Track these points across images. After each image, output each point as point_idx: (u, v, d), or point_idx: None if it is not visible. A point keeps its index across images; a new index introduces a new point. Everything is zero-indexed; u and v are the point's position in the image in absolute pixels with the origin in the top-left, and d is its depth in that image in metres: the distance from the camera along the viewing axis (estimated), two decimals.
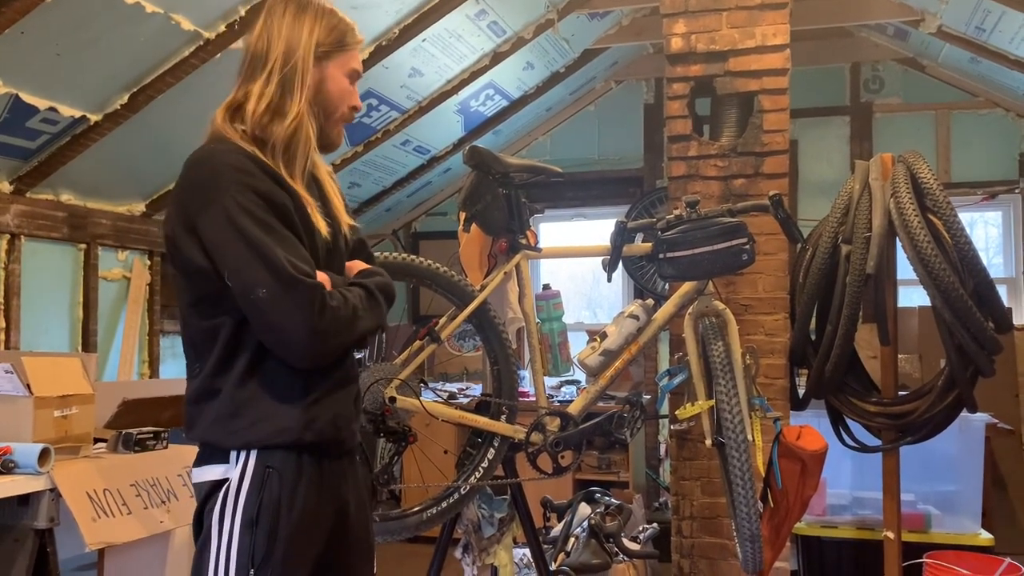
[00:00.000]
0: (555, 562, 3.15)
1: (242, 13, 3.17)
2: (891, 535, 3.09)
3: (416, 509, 2.51)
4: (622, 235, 2.56)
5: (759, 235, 2.88)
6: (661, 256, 2.52)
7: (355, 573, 1.67)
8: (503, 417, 2.57)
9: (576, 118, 5.89)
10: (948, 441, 3.26)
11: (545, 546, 3.13)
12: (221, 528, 1.50)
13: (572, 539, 3.25)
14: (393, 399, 2.37)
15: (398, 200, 5.70)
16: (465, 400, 4.76)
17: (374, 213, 5.62)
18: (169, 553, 2.70)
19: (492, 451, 2.57)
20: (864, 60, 5.33)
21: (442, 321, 2.53)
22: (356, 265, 1.68)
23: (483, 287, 2.57)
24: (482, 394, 2.66)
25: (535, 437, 2.56)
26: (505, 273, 2.62)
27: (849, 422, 3.15)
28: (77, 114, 3.22)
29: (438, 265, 2.52)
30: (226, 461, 1.52)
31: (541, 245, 2.71)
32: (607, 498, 3.39)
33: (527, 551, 2.93)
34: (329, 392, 1.57)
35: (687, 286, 2.66)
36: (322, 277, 1.52)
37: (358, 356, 1.87)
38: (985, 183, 5.11)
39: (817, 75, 5.32)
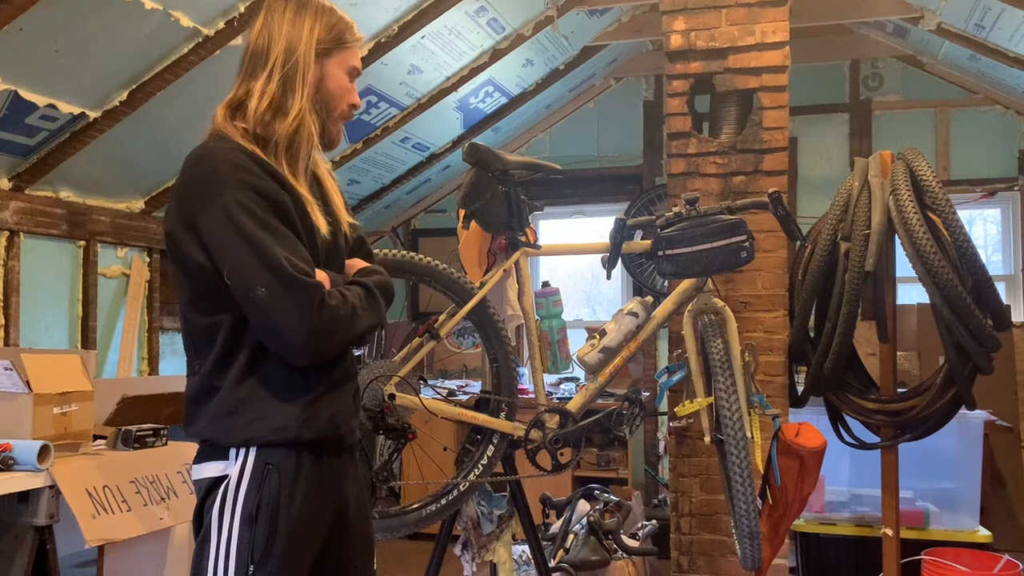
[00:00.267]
0: (554, 559, 3.16)
1: (241, 10, 3.17)
2: (890, 532, 3.10)
3: (415, 506, 2.51)
4: (621, 232, 2.56)
5: (758, 232, 2.88)
6: (660, 253, 2.52)
7: (355, 569, 1.67)
8: (502, 414, 2.58)
9: (575, 115, 5.89)
10: (947, 438, 3.26)
11: (544, 543, 3.13)
12: (221, 525, 1.50)
13: (571, 536, 3.25)
14: (392, 396, 2.37)
15: (397, 197, 5.70)
16: (464, 397, 4.77)
17: (373, 210, 5.62)
18: (169, 550, 2.70)
19: (491, 448, 2.57)
20: (863, 57, 5.33)
21: (441, 318, 2.53)
22: (356, 263, 1.68)
23: (482, 284, 2.57)
24: (481, 391, 2.66)
25: (534, 434, 2.57)
26: (504, 270, 2.63)
27: (848, 419, 3.16)
28: (76, 111, 3.22)
29: (437, 262, 2.52)
30: (225, 458, 1.52)
31: (540, 242, 2.71)
32: (606, 495, 3.39)
33: (526, 548, 2.93)
34: (328, 390, 1.57)
35: (686, 283, 2.66)
36: (321, 276, 1.53)
37: (357, 354, 1.88)
38: (984, 180, 5.12)
39: (816, 72, 5.32)
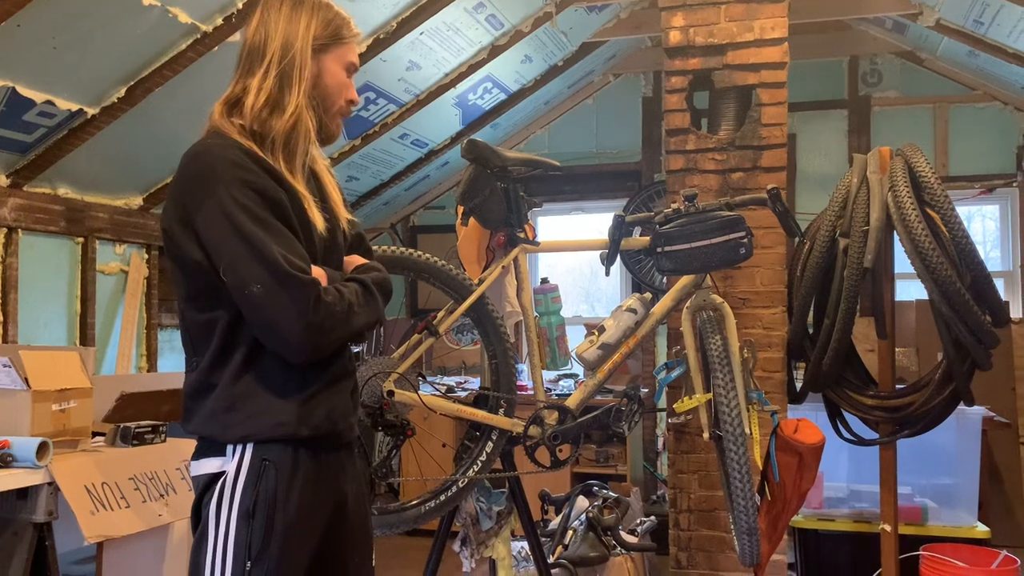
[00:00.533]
0: (553, 555, 3.16)
1: (239, 6, 3.16)
2: (888, 528, 3.10)
3: (414, 502, 2.51)
4: (620, 229, 2.56)
5: (757, 229, 2.88)
6: (659, 250, 2.52)
7: (353, 566, 1.67)
8: (501, 411, 2.58)
9: (574, 112, 5.89)
10: (945, 434, 3.27)
11: (543, 539, 3.14)
12: (218, 521, 1.50)
13: (570, 532, 3.26)
14: (391, 393, 2.37)
15: (396, 194, 5.70)
16: (463, 394, 4.77)
17: (372, 207, 5.61)
18: (168, 546, 2.70)
19: (490, 444, 2.57)
20: (862, 53, 5.33)
21: (440, 315, 2.53)
22: (354, 260, 1.68)
23: (481, 281, 2.57)
24: (480, 388, 2.66)
25: (533, 430, 2.57)
26: (503, 267, 2.63)
27: (846, 415, 3.16)
28: (74, 107, 3.21)
29: (436, 259, 2.52)
30: (223, 454, 1.53)
31: (539, 239, 2.71)
32: (605, 491, 3.39)
33: (525, 544, 2.94)
34: (326, 386, 1.57)
35: (685, 280, 2.66)
36: (318, 272, 1.52)
37: (356, 350, 1.87)
38: (983, 177, 5.12)
39: (815, 69, 5.32)
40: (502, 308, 2.82)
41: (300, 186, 1.56)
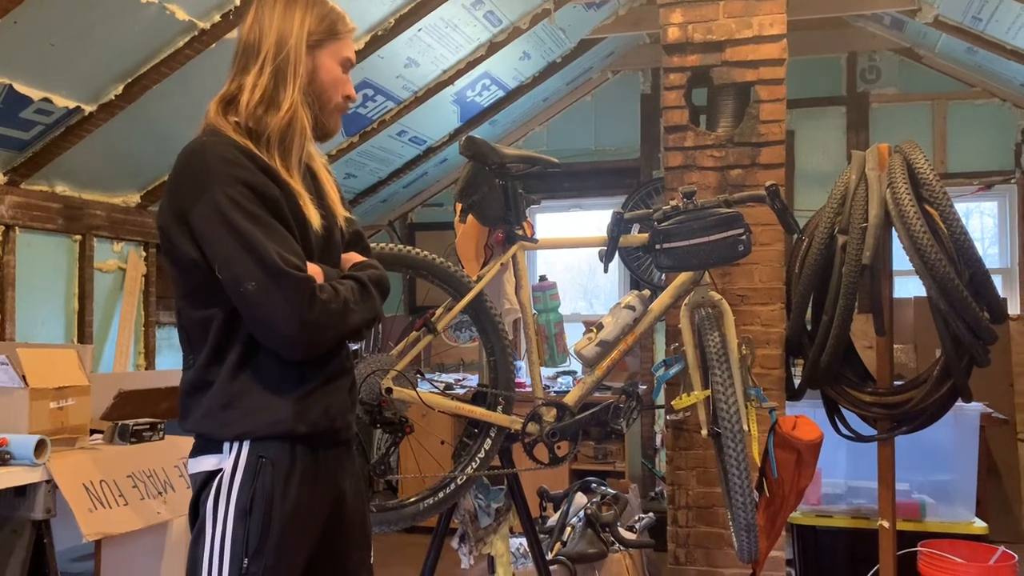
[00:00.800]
0: (551, 552, 3.17)
1: (236, 3, 3.15)
2: (886, 524, 3.11)
3: (413, 499, 2.51)
4: (619, 226, 2.56)
5: (755, 226, 2.88)
6: (657, 247, 2.52)
7: (351, 563, 1.67)
8: (499, 408, 2.58)
9: (573, 108, 5.88)
10: (943, 431, 3.27)
11: (541, 536, 3.14)
12: (215, 518, 1.50)
13: (568, 529, 3.26)
14: (390, 390, 2.37)
15: (394, 191, 5.69)
16: (461, 391, 4.77)
17: (370, 204, 5.61)
18: (166, 544, 2.70)
19: (488, 441, 2.57)
20: (861, 50, 5.32)
21: (438, 312, 2.53)
22: (351, 258, 1.68)
23: (479, 278, 2.56)
24: (478, 385, 2.66)
25: (531, 427, 2.57)
26: (501, 264, 2.62)
27: (845, 412, 3.16)
28: (72, 105, 3.21)
29: (434, 256, 2.52)
30: (219, 452, 1.53)
31: (537, 236, 2.71)
32: (603, 488, 3.40)
33: (524, 541, 2.94)
34: (323, 384, 1.57)
35: (683, 277, 2.66)
36: (314, 270, 1.52)
37: (353, 348, 1.87)
38: (981, 173, 5.12)
39: (814, 65, 5.32)
40: (500, 305, 2.82)
41: (296, 183, 1.55)
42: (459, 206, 2.62)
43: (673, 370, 2.71)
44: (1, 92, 2.97)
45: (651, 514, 3.63)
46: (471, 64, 4.49)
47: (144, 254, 4.19)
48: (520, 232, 2.62)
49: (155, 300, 4.22)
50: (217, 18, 3.18)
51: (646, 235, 2.58)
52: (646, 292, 2.72)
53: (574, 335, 2.83)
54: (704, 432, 2.57)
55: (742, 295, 3.27)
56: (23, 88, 3.01)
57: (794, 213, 2.65)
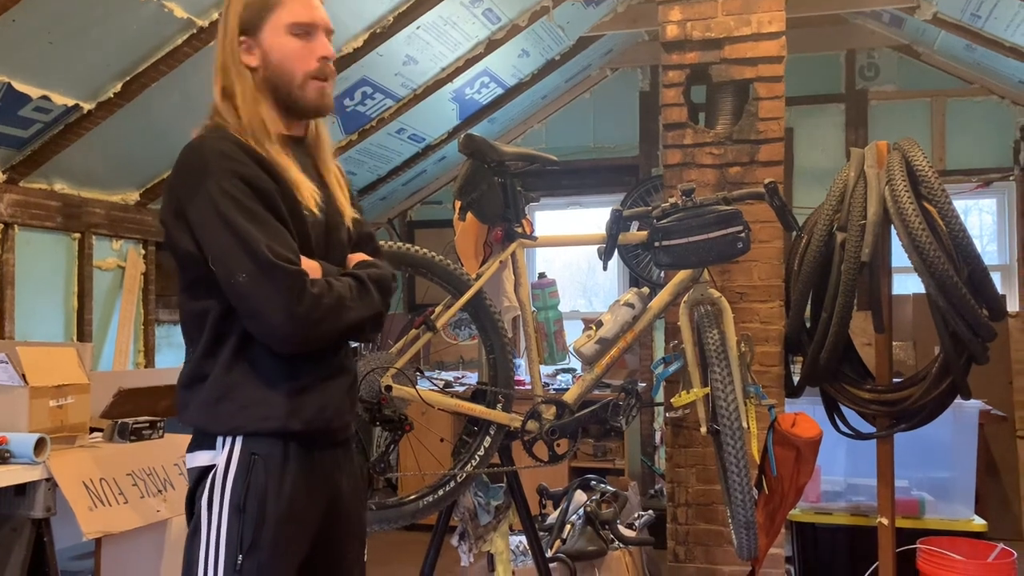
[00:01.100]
0: (551, 549, 3.17)
1: None
2: (885, 521, 3.11)
3: (412, 497, 2.51)
4: (618, 223, 2.56)
5: (754, 223, 2.88)
6: (657, 244, 2.53)
7: (347, 562, 1.68)
8: (499, 405, 2.58)
9: (571, 106, 5.88)
10: (942, 428, 3.27)
11: (541, 533, 3.14)
12: (210, 514, 1.51)
13: (568, 526, 3.26)
14: (389, 388, 2.37)
15: (393, 189, 5.69)
16: (461, 388, 4.77)
17: (369, 202, 5.61)
18: (166, 542, 2.70)
19: (488, 439, 2.57)
20: (859, 47, 5.32)
21: (438, 310, 2.53)
22: (357, 257, 1.67)
23: (479, 276, 2.57)
24: (478, 382, 2.67)
25: (531, 425, 2.57)
26: (501, 262, 2.62)
27: (844, 409, 3.17)
28: (70, 102, 3.20)
29: (434, 254, 2.52)
30: (213, 447, 1.53)
31: (537, 233, 2.71)
32: (603, 485, 3.40)
33: (523, 538, 2.94)
34: (319, 381, 1.56)
35: (682, 274, 2.67)
36: (310, 265, 1.52)
37: (354, 346, 1.86)
38: (980, 170, 5.12)
39: (812, 63, 5.31)
40: (500, 303, 2.82)
41: (293, 174, 1.54)
42: (458, 204, 2.62)
43: (672, 367, 2.71)
44: (0, 90, 2.96)
45: (651, 511, 3.63)
46: (470, 62, 4.49)
47: (143, 252, 4.19)
48: (519, 230, 2.62)
49: (154, 298, 4.21)
50: (215, 16, 3.17)
51: (645, 233, 2.58)
52: (645, 290, 2.72)
53: (573, 333, 2.83)
54: (703, 429, 2.57)
55: (741, 292, 3.27)
56: (22, 86, 3.00)
57: (793, 210, 2.65)
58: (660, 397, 3.03)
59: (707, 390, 2.54)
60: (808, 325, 3.15)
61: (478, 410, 2.55)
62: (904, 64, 5.29)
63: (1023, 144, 5.09)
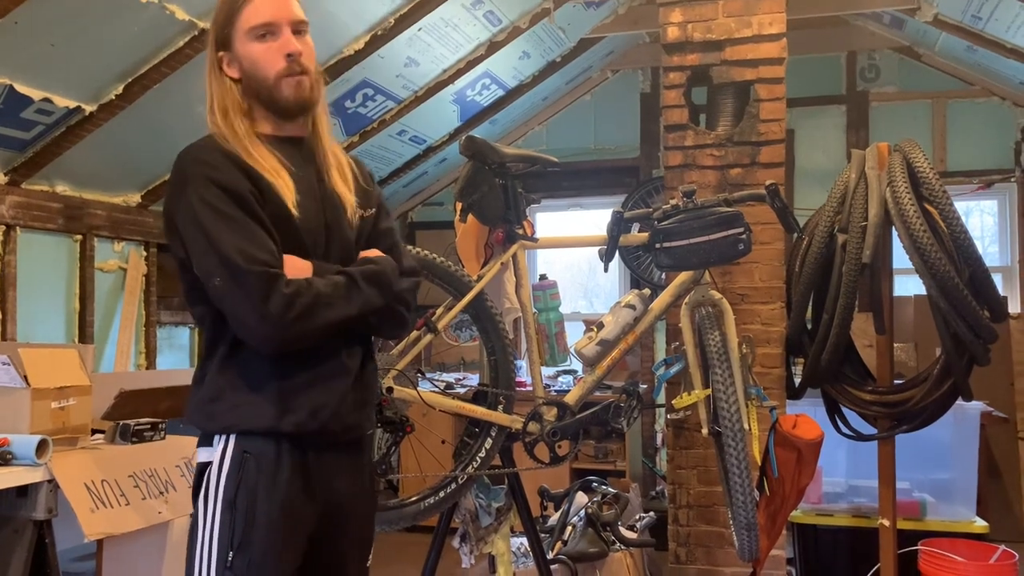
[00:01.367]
0: (552, 551, 3.17)
1: None
2: (886, 523, 3.11)
3: (414, 499, 2.52)
4: (619, 225, 2.56)
5: (755, 224, 2.88)
6: (657, 246, 2.53)
7: (348, 566, 1.67)
8: (500, 407, 2.58)
9: (572, 108, 5.88)
10: (943, 429, 3.27)
11: (542, 535, 3.14)
12: (206, 510, 1.54)
13: (569, 528, 3.26)
14: (390, 389, 2.37)
15: (394, 190, 5.69)
16: (462, 390, 4.77)
17: None
18: (167, 543, 2.70)
19: (489, 441, 2.57)
20: (860, 49, 5.32)
21: (439, 311, 2.53)
22: (367, 254, 1.66)
23: (480, 277, 2.57)
24: (479, 384, 2.67)
25: (532, 427, 2.57)
26: (502, 263, 2.63)
27: (845, 411, 3.16)
28: (72, 104, 3.21)
29: (435, 255, 2.52)
30: (210, 445, 1.56)
31: (538, 235, 2.71)
32: (604, 487, 3.40)
33: (524, 540, 2.94)
34: (311, 383, 1.56)
35: (683, 276, 2.67)
36: (299, 264, 1.53)
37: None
38: (981, 172, 5.12)
39: (813, 64, 5.31)
40: (501, 304, 2.82)
41: (276, 178, 1.55)
42: (459, 205, 2.62)
43: (674, 369, 2.71)
44: (2, 92, 2.97)
45: (652, 513, 3.63)
46: (471, 63, 4.49)
47: (145, 254, 4.19)
48: (520, 231, 2.62)
49: (156, 300, 4.22)
50: None
51: (646, 234, 2.58)
52: (646, 291, 2.72)
53: (574, 334, 2.84)
54: (705, 431, 2.57)
55: (742, 294, 3.27)
56: (23, 88, 3.01)
57: (794, 212, 2.66)
58: (661, 399, 3.03)
59: (708, 392, 2.54)
60: (809, 327, 3.15)
61: (479, 412, 2.55)
62: (905, 65, 5.28)
63: None
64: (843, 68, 5.38)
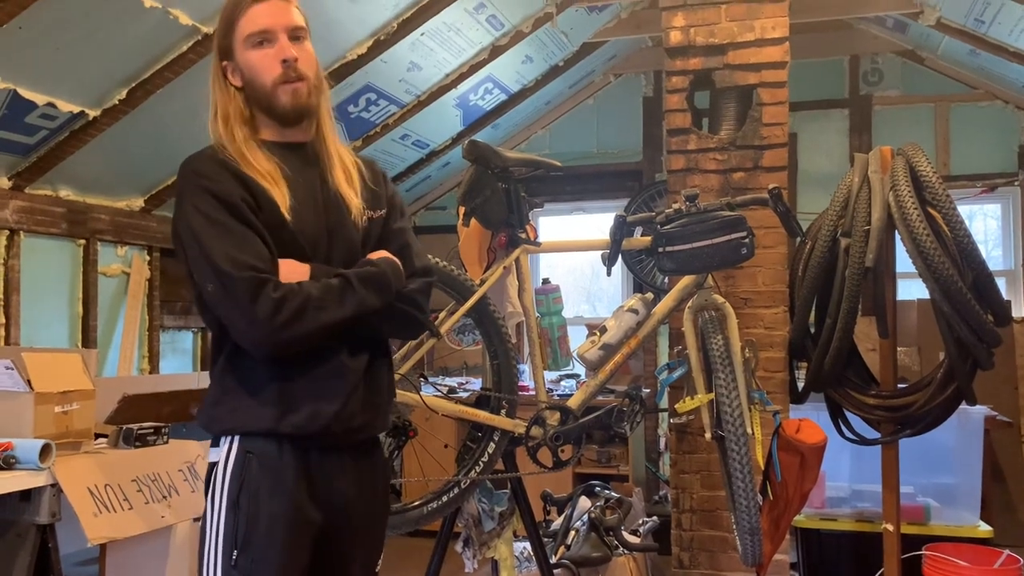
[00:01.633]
0: (555, 555, 3.16)
1: None
2: (890, 527, 3.10)
3: (417, 503, 2.51)
4: (621, 229, 2.56)
5: (758, 229, 2.88)
6: (660, 250, 2.52)
7: (354, 569, 1.67)
8: (503, 411, 2.58)
9: (575, 112, 5.89)
10: (947, 433, 3.27)
11: (545, 540, 3.14)
12: (213, 509, 1.56)
13: (572, 532, 3.26)
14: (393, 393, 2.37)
15: None
16: (465, 394, 4.77)
17: None
18: (171, 548, 2.70)
19: (492, 445, 2.57)
20: (863, 52, 5.32)
21: (441, 316, 2.54)
22: (374, 255, 1.65)
23: (482, 282, 2.57)
24: (482, 388, 2.66)
25: (535, 431, 2.57)
26: (504, 267, 2.63)
27: (848, 415, 3.16)
28: (76, 109, 3.21)
29: (437, 259, 2.52)
30: (218, 445, 1.60)
31: (540, 239, 2.72)
32: (607, 492, 3.39)
33: (527, 545, 2.94)
34: (309, 386, 1.56)
35: (686, 280, 2.66)
36: (296, 267, 1.54)
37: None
38: (984, 176, 5.11)
39: (816, 68, 5.31)
40: (504, 309, 2.82)
41: (276, 185, 1.57)
42: (462, 210, 2.62)
43: (676, 373, 2.71)
44: (6, 97, 2.98)
45: (655, 518, 3.62)
46: (474, 68, 4.49)
47: (148, 258, 4.20)
48: (523, 235, 2.63)
49: (159, 304, 4.22)
50: None
51: (649, 238, 2.58)
52: (649, 295, 2.72)
53: (577, 338, 2.83)
54: (708, 435, 2.57)
55: (745, 298, 3.27)
56: (27, 93, 3.02)
57: (797, 216, 2.65)
58: (664, 403, 3.03)
59: (711, 396, 2.53)
60: (812, 331, 3.15)
61: (482, 416, 2.55)
62: (908, 69, 5.28)
63: None
64: (846, 72, 5.38)
